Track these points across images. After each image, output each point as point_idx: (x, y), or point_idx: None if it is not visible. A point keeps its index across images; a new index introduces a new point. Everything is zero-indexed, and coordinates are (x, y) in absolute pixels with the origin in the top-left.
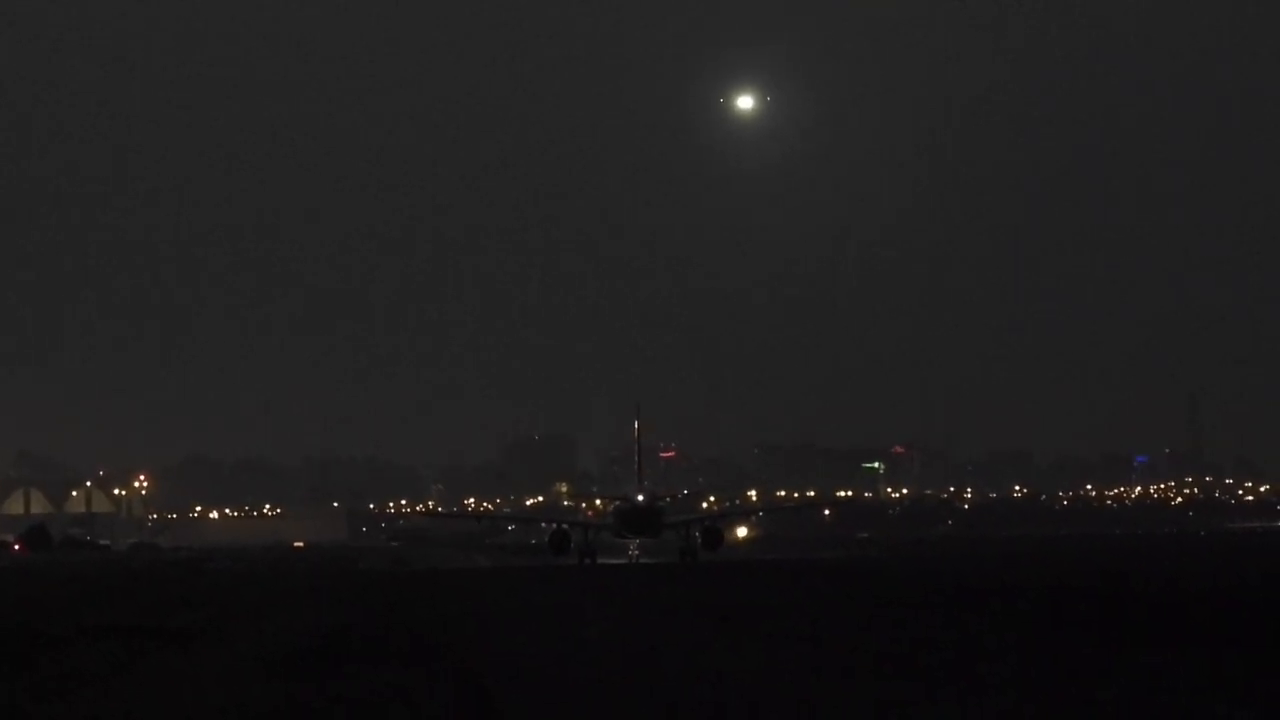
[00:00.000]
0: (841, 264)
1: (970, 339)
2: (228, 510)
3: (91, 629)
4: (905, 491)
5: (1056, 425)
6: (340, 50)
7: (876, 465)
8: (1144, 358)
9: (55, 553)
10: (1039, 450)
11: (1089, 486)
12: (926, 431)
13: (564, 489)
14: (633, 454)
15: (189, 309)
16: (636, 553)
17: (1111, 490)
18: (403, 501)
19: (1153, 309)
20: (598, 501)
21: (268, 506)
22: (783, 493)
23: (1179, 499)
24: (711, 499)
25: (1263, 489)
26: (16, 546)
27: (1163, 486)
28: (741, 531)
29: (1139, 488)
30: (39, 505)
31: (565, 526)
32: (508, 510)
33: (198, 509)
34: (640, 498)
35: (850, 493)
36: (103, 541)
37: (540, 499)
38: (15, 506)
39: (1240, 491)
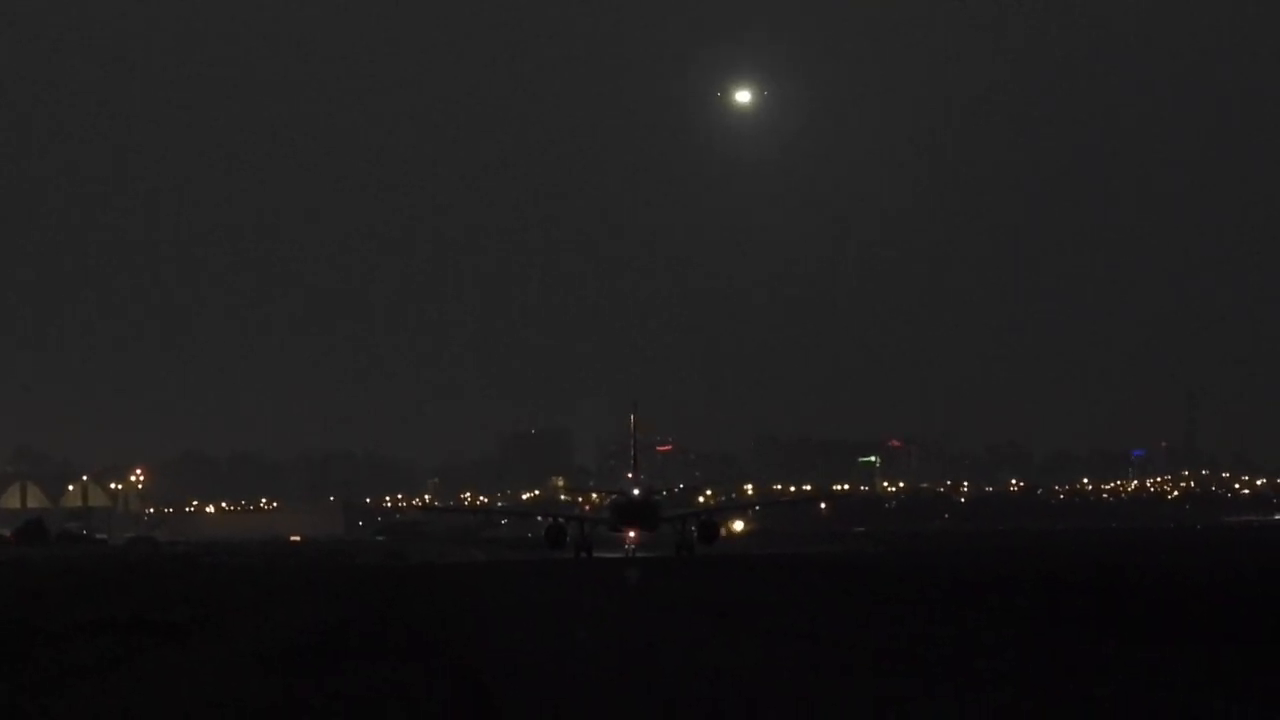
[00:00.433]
0: (841, 263)
1: (970, 338)
2: (224, 504)
3: (87, 624)
4: (902, 485)
5: (1054, 424)
6: (340, 50)
7: (873, 459)
8: (1143, 357)
9: (51, 547)
10: (1036, 446)
11: (1085, 480)
12: (925, 429)
13: (560, 483)
14: (629, 449)
15: (189, 309)
16: (632, 546)
17: (1108, 484)
18: (399, 496)
19: (1153, 309)
20: (594, 495)
21: (264, 501)
22: (779, 486)
23: (1175, 493)
24: (708, 493)
25: (1259, 483)
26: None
27: (1159, 480)
28: (738, 525)
29: (1135, 482)
30: (35, 500)
31: (561, 521)
32: (503, 504)
33: (194, 503)
34: (636, 491)
35: (846, 486)
36: (99, 536)
37: (537, 493)
38: (12, 501)
39: (1236, 485)
